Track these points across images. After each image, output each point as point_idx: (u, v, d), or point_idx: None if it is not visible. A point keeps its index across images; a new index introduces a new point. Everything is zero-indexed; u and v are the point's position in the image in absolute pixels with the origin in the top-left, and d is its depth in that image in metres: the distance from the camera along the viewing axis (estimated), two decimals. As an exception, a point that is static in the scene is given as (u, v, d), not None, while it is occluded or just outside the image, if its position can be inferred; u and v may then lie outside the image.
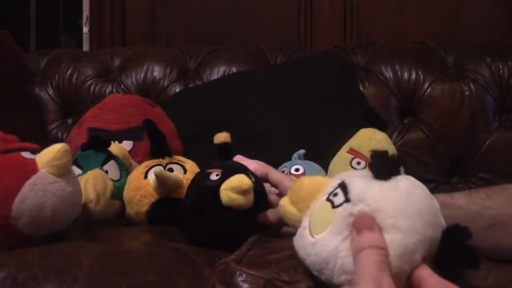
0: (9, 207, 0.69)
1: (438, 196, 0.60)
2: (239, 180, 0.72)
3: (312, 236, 0.50)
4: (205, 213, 0.75)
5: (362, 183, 0.49)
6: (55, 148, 0.71)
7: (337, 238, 0.47)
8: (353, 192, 0.48)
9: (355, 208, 0.47)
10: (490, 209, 0.57)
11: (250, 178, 0.75)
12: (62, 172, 0.72)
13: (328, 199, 0.50)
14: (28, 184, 0.70)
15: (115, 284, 0.64)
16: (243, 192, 0.71)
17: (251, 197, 0.73)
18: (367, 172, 0.50)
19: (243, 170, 0.76)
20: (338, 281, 0.47)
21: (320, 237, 0.49)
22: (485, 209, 0.57)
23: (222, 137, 0.84)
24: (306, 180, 0.56)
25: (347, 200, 0.48)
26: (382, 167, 0.49)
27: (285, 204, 0.56)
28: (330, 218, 0.48)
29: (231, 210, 0.72)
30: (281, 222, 0.74)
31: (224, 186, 0.73)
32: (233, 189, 0.72)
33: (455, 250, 0.46)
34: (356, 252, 0.45)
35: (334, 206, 0.49)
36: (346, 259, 0.46)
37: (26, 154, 0.73)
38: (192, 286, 0.67)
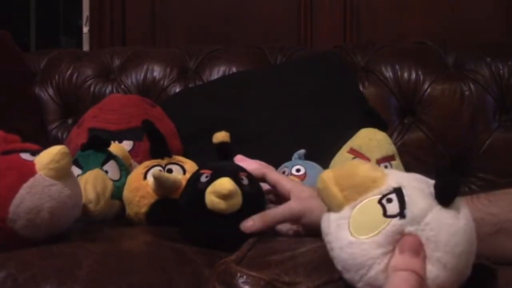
0: (6, 209, 0.68)
1: None
2: (220, 184, 0.71)
3: (351, 233, 0.47)
4: (193, 215, 0.75)
5: (422, 203, 0.46)
6: (54, 151, 0.71)
7: (379, 249, 0.45)
8: (410, 210, 0.45)
9: (408, 228, 0.45)
10: (493, 215, 0.57)
11: (239, 181, 0.74)
12: (61, 174, 0.71)
13: (380, 202, 0.47)
14: (25, 187, 0.69)
15: (115, 284, 0.64)
16: (223, 197, 0.71)
17: (235, 201, 0.72)
18: (426, 186, 0.48)
19: (232, 172, 0.76)
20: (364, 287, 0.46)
21: (361, 239, 0.46)
22: (488, 216, 0.57)
23: (220, 136, 0.84)
24: (362, 168, 0.50)
25: (401, 214, 0.46)
26: (447, 192, 0.47)
27: (329, 181, 0.50)
28: (377, 225, 0.46)
29: (216, 214, 0.72)
30: (274, 225, 0.73)
31: (209, 189, 0.73)
32: (215, 193, 0.72)
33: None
34: (393, 270, 0.44)
35: (386, 215, 0.46)
36: (380, 274, 0.45)
37: (26, 156, 0.73)
38: (192, 286, 0.67)
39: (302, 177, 0.98)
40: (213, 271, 0.61)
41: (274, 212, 0.73)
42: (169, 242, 0.76)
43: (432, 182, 0.49)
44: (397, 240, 0.45)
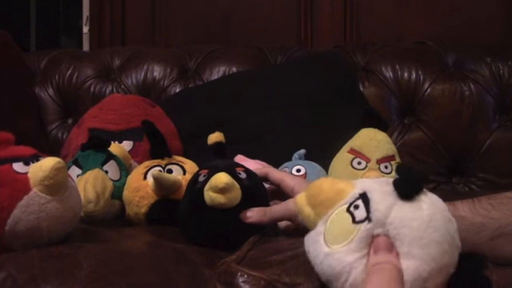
0: (1, 228, 0.67)
1: None
2: (216, 178, 0.71)
3: (327, 245, 0.49)
4: (195, 214, 0.75)
5: (384, 202, 0.48)
6: (48, 166, 0.67)
7: (354, 254, 0.47)
8: (375, 213, 0.47)
9: (376, 230, 0.47)
10: (495, 219, 0.57)
11: (237, 175, 0.74)
12: (56, 190, 0.68)
13: (348, 210, 0.49)
14: (20, 206, 0.67)
15: (115, 285, 0.64)
16: (220, 190, 0.71)
17: (234, 195, 0.72)
18: (388, 184, 0.49)
19: (228, 167, 0.76)
20: None
21: (336, 249, 0.48)
22: (489, 220, 0.57)
23: (214, 137, 0.84)
24: (326, 184, 0.54)
25: (368, 219, 0.47)
26: (406, 186, 0.48)
27: (302, 203, 0.55)
28: (349, 232, 0.48)
29: (217, 210, 0.72)
30: (272, 222, 0.73)
31: (206, 186, 0.73)
32: (212, 188, 0.72)
33: (469, 278, 0.46)
34: (371, 268, 0.45)
35: (355, 221, 0.48)
36: (358, 277, 0.46)
37: (18, 167, 0.69)
38: (192, 286, 0.67)
39: (303, 177, 0.98)
40: (213, 271, 0.61)
41: (274, 209, 0.73)
42: (169, 242, 0.76)
43: (387, 182, 0.50)
44: (370, 242, 0.47)
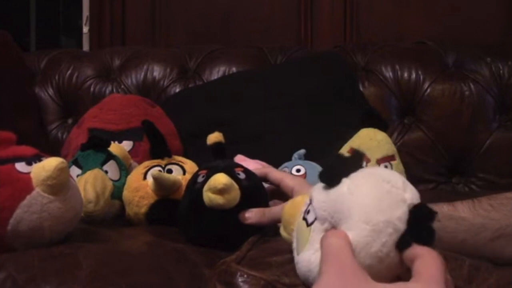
0: (4, 228, 0.67)
1: (441, 207, 0.59)
2: (215, 179, 0.71)
3: (297, 255, 0.51)
4: (194, 215, 0.75)
5: (319, 195, 0.49)
6: (51, 166, 0.67)
7: (315, 253, 0.48)
8: (317, 210, 0.48)
9: (323, 226, 0.48)
10: (495, 220, 0.57)
11: (236, 175, 0.74)
12: (59, 190, 0.68)
13: (303, 218, 0.51)
14: (22, 206, 0.67)
15: (115, 285, 0.64)
16: (219, 191, 0.71)
17: (233, 195, 0.72)
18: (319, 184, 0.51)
19: (227, 167, 0.76)
20: None
21: (300, 255, 0.50)
22: (489, 221, 0.57)
23: (214, 137, 0.84)
24: (287, 205, 0.59)
25: (316, 217, 0.49)
26: (324, 176, 0.49)
27: (281, 230, 0.60)
28: (306, 236, 0.49)
29: (216, 211, 0.72)
30: (272, 223, 0.73)
31: (205, 187, 0.73)
32: (211, 189, 0.72)
33: (414, 231, 0.45)
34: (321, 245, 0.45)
35: (308, 224, 0.50)
36: (318, 269, 0.46)
37: (21, 166, 0.70)
38: (192, 286, 0.67)
39: (302, 177, 0.98)
40: (213, 271, 0.61)
41: (274, 210, 0.73)
42: (169, 242, 0.76)
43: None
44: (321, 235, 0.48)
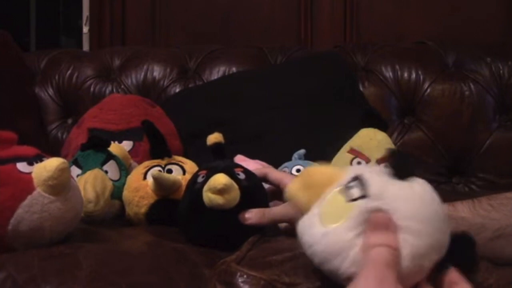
0: (4, 228, 0.67)
1: None
2: (215, 180, 0.71)
3: (323, 225, 0.49)
4: (194, 215, 0.75)
5: (380, 180, 0.49)
6: (53, 166, 0.67)
7: (352, 231, 0.47)
8: (371, 188, 0.48)
9: (372, 204, 0.47)
10: (495, 220, 0.57)
11: (235, 176, 0.74)
12: (60, 190, 0.68)
13: (342, 192, 0.50)
14: (23, 206, 0.67)
15: (115, 285, 0.64)
16: (219, 191, 0.71)
17: (232, 195, 0.72)
18: (380, 169, 0.50)
19: (227, 168, 0.76)
20: (346, 272, 0.47)
21: (333, 228, 0.48)
22: (489, 221, 0.57)
23: (213, 138, 0.84)
24: (318, 169, 0.54)
25: (364, 195, 0.48)
26: (400, 167, 0.49)
27: (294, 188, 0.55)
28: (344, 211, 0.48)
29: (216, 211, 0.72)
30: (272, 223, 0.73)
31: (205, 187, 0.73)
32: (210, 189, 0.71)
33: (458, 257, 0.47)
34: (367, 248, 0.45)
35: (349, 200, 0.49)
36: (357, 255, 0.46)
37: (22, 166, 0.70)
38: (192, 286, 0.67)
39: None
40: (213, 271, 0.61)
41: (274, 211, 0.73)
42: (169, 242, 0.76)
43: (381, 168, 0.52)
44: (366, 219, 0.47)
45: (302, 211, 0.53)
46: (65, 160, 0.68)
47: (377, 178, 0.49)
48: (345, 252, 0.47)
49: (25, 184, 0.68)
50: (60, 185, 0.68)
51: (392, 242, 0.45)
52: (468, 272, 0.46)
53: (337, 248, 0.47)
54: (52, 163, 0.67)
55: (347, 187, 0.50)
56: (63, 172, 0.68)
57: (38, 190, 0.68)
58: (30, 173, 0.69)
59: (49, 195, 0.68)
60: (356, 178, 0.50)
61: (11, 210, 0.67)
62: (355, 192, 0.49)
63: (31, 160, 0.71)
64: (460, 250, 0.47)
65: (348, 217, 0.48)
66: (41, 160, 0.71)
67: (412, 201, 0.47)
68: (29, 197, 0.67)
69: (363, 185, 0.49)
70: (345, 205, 0.49)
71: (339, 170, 0.53)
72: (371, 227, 0.46)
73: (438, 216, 0.48)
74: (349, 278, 0.46)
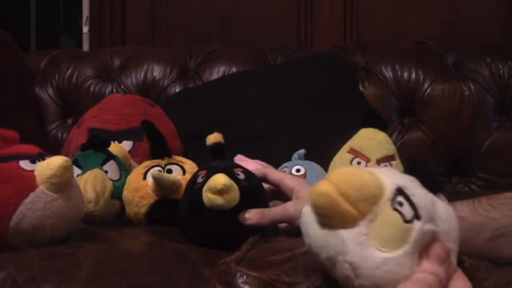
0: (6, 225, 0.67)
1: None
2: (214, 180, 0.71)
3: (379, 249, 0.44)
4: (194, 215, 0.75)
5: (426, 197, 0.46)
6: (56, 164, 0.68)
7: (412, 257, 0.44)
8: (422, 208, 0.45)
9: (426, 226, 0.44)
10: (495, 220, 0.57)
11: (235, 176, 0.74)
12: (62, 188, 0.69)
13: (395, 209, 0.45)
14: (26, 203, 0.67)
15: (115, 285, 0.64)
16: (218, 192, 0.71)
17: (232, 196, 0.72)
18: (412, 178, 0.47)
19: (226, 168, 0.76)
20: None
21: (396, 254, 0.44)
22: (489, 221, 0.57)
23: (213, 138, 0.84)
24: (367, 177, 0.46)
25: (417, 216, 0.44)
26: (435, 180, 0.47)
27: (336, 197, 0.45)
28: (403, 234, 0.44)
29: (216, 211, 0.72)
30: (272, 223, 0.73)
31: (204, 188, 0.73)
32: (210, 190, 0.72)
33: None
34: (417, 273, 0.44)
35: (405, 220, 0.44)
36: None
37: (25, 164, 0.70)
38: (192, 286, 0.67)
39: (302, 177, 0.98)
40: (213, 271, 0.61)
41: (273, 211, 0.73)
42: (169, 242, 0.76)
43: (409, 176, 0.48)
44: (422, 242, 0.44)
45: (341, 223, 0.46)
46: (68, 159, 0.69)
47: (421, 193, 0.46)
48: (407, 279, 0.44)
49: (28, 182, 0.68)
50: (63, 183, 0.68)
51: (442, 275, 0.44)
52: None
53: (401, 275, 0.44)
54: (55, 161, 0.68)
55: (397, 203, 0.45)
56: (66, 170, 0.68)
57: (41, 188, 0.68)
58: (32, 171, 0.69)
59: (52, 193, 0.68)
60: (400, 191, 0.46)
61: (14, 207, 0.67)
62: (407, 211, 0.45)
63: (34, 158, 0.71)
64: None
65: (408, 242, 0.44)
66: (44, 159, 0.71)
67: (454, 222, 0.46)
68: (31, 194, 0.68)
69: (411, 202, 0.45)
70: (401, 226, 0.44)
71: (380, 178, 0.46)
72: (428, 256, 0.44)
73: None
74: None
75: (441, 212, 0.45)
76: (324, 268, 0.49)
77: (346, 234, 0.45)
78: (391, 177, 0.47)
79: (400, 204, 0.45)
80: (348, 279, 0.46)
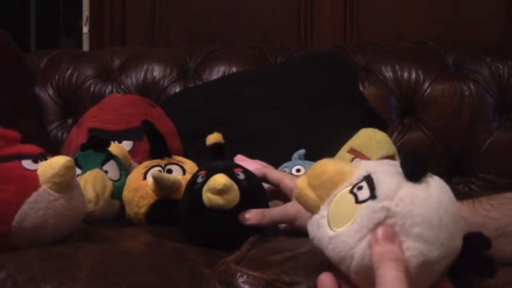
0: (8, 224, 0.67)
1: None
2: (214, 180, 0.71)
3: (331, 228, 0.47)
4: (194, 215, 0.75)
5: (392, 181, 0.46)
6: (59, 163, 0.68)
7: (356, 235, 0.45)
8: (380, 190, 0.46)
9: (379, 204, 0.45)
10: (495, 220, 0.57)
11: (235, 176, 0.74)
12: (65, 188, 0.69)
13: (351, 192, 0.47)
14: (28, 202, 0.67)
15: (115, 285, 0.64)
16: (218, 192, 0.71)
17: (232, 196, 0.72)
18: (395, 168, 0.48)
19: (226, 168, 0.76)
20: (353, 278, 0.46)
21: (339, 232, 0.46)
22: (490, 221, 0.57)
23: (213, 138, 0.84)
24: (329, 165, 0.51)
25: (372, 196, 0.46)
26: (414, 167, 0.47)
27: (303, 186, 0.51)
28: (351, 213, 0.46)
29: (216, 211, 0.72)
30: (272, 224, 0.73)
31: (204, 188, 0.73)
32: (210, 190, 0.72)
33: (473, 259, 0.45)
34: (376, 262, 0.44)
35: (358, 201, 0.46)
36: (361, 260, 0.45)
37: (27, 164, 0.70)
38: (192, 286, 0.67)
39: (302, 177, 0.98)
40: (213, 271, 0.61)
41: (273, 211, 0.73)
42: (169, 242, 0.76)
43: (394, 166, 0.49)
44: (372, 221, 0.45)
45: (311, 211, 0.51)
46: (70, 158, 0.69)
47: (389, 178, 0.47)
48: (350, 257, 0.45)
49: (30, 181, 0.68)
50: (65, 183, 0.69)
51: (398, 255, 0.43)
52: (488, 276, 0.44)
53: (343, 253, 0.46)
54: (58, 161, 0.69)
55: (356, 187, 0.47)
56: (68, 170, 0.69)
57: (44, 187, 0.68)
58: (35, 171, 0.69)
59: (54, 192, 0.68)
60: (367, 177, 0.48)
61: (16, 206, 0.67)
62: (364, 193, 0.46)
63: (36, 158, 0.71)
64: (473, 250, 0.46)
65: (354, 220, 0.46)
66: (46, 158, 0.72)
67: (427, 207, 0.45)
68: (34, 193, 0.68)
69: (373, 186, 0.46)
70: (352, 206, 0.46)
71: (350, 166, 0.50)
72: (376, 239, 0.44)
73: (454, 221, 0.46)
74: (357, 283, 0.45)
75: (406, 195, 0.45)
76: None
77: (313, 219, 0.50)
78: (370, 166, 0.49)
79: (360, 188, 0.47)
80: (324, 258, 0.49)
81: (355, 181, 0.48)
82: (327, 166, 0.51)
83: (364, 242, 0.45)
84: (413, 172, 0.47)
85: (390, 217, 0.45)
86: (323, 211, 0.49)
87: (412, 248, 0.44)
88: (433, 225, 0.44)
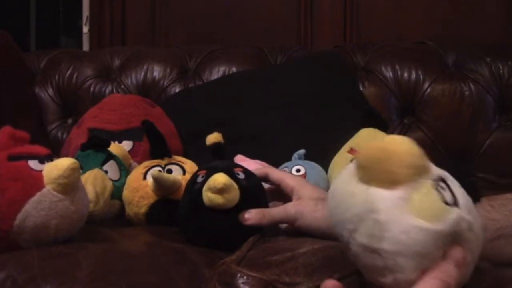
0: (11, 222, 0.67)
1: None
2: (214, 179, 0.71)
3: (415, 217, 0.44)
4: (194, 215, 0.75)
5: (464, 194, 0.47)
6: (64, 165, 0.68)
7: (441, 241, 0.44)
8: (460, 200, 0.46)
9: (467, 217, 0.46)
10: (495, 221, 0.57)
11: (235, 175, 0.74)
12: (69, 190, 0.69)
13: (437, 189, 0.46)
14: (32, 202, 0.67)
15: (115, 285, 0.64)
16: (218, 191, 0.71)
17: (232, 195, 0.72)
18: (454, 179, 0.49)
19: (226, 167, 0.76)
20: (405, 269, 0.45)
21: (428, 226, 0.44)
22: (490, 221, 0.57)
23: (213, 138, 0.84)
24: (416, 149, 0.47)
25: (456, 204, 0.45)
26: (477, 192, 0.48)
27: (389, 155, 0.47)
28: (440, 212, 0.44)
29: (216, 211, 0.72)
30: (272, 224, 0.73)
31: (204, 187, 0.73)
32: (210, 189, 0.72)
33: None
34: (432, 272, 0.44)
35: (445, 202, 0.45)
36: (430, 262, 0.45)
37: (34, 164, 0.71)
38: (192, 286, 0.67)
39: (302, 177, 0.98)
40: (213, 271, 0.61)
41: (273, 211, 0.73)
42: (169, 242, 0.76)
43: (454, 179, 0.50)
44: (457, 229, 0.45)
45: (382, 180, 0.46)
46: (76, 161, 0.69)
47: (460, 189, 0.47)
48: (430, 257, 0.44)
49: (35, 181, 0.69)
50: (69, 185, 0.69)
51: (453, 280, 0.44)
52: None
53: (427, 251, 0.44)
54: (63, 162, 0.69)
55: (439, 186, 0.46)
56: (73, 172, 0.69)
57: (48, 188, 0.68)
58: (41, 171, 0.70)
59: (58, 194, 0.69)
60: (443, 180, 0.47)
61: (20, 204, 0.67)
62: (447, 195, 0.46)
63: (43, 159, 0.72)
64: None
65: (444, 220, 0.44)
66: (52, 160, 0.72)
67: (482, 237, 0.48)
68: (38, 193, 0.68)
69: (452, 192, 0.46)
70: (440, 204, 0.45)
71: (419, 157, 0.47)
72: (448, 257, 0.45)
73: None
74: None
75: (476, 221, 0.47)
76: (339, 232, 0.48)
77: (385, 194, 0.45)
78: (436, 169, 0.48)
79: (442, 188, 0.46)
80: (372, 239, 0.45)
81: (435, 178, 0.47)
82: (414, 149, 0.48)
83: (441, 250, 0.45)
84: (478, 197, 0.49)
85: (470, 230, 0.46)
86: (401, 192, 0.45)
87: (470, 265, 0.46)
88: (478, 252, 0.48)
